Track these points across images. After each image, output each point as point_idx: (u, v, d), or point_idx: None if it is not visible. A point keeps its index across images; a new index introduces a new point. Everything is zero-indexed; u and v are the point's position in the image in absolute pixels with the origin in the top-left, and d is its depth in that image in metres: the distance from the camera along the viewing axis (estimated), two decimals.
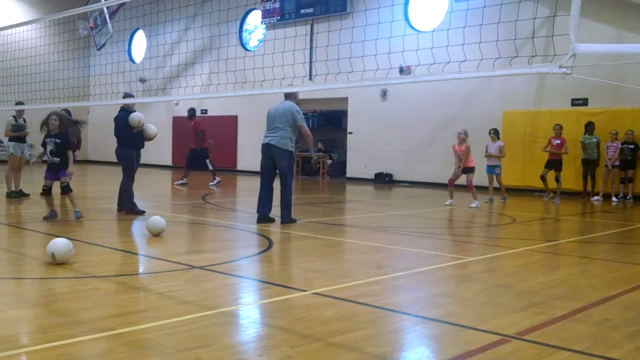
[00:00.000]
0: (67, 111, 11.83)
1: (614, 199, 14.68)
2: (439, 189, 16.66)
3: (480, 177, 15.35)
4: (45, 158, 9.24)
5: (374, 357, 3.66)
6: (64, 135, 8.96)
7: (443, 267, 6.49)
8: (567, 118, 15.80)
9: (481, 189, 15.45)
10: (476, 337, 4.01)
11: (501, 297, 5.18)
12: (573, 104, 16.37)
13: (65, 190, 9.15)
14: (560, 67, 4.48)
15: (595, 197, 14.87)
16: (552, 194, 14.46)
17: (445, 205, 12.75)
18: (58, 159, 8.95)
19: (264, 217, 9.26)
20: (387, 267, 6.37)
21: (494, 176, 14.12)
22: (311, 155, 10.01)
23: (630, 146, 14.85)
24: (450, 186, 13.14)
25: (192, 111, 17.73)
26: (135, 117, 9.80)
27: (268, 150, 9.22)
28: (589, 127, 15.08)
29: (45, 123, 8.98)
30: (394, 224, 10.06)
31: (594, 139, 15.00)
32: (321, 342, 3.82)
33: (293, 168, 9.46)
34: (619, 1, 15.68)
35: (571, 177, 15.74)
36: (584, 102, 16.22)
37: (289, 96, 9.43)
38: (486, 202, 13.72)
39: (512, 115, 17.07)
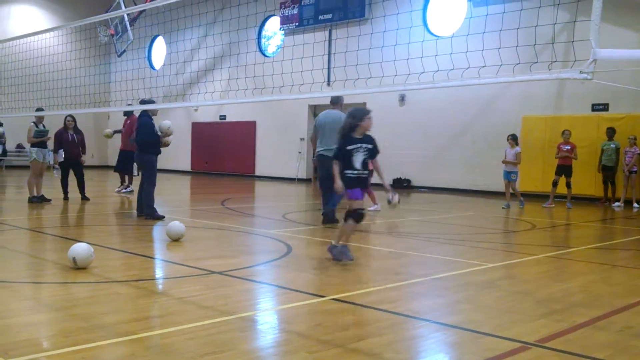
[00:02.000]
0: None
1: (635, 205, 14.52)
2: (458, 195, 16.58)
3: (499, 183, 15.29)
4: None
5: None
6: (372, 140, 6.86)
7: (462, 273, 6.45)
8: (587, 123, 15.68)
9: (500, 194, 15.36)
10: (496, 344, 3.99)
11: (521, 304, 5.14)
12: (593, 110, 16.23)
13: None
14: (581, 72, 4.45)
15: (616, 204, 14.72)
16: (553, 202, 14.32)
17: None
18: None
19: (329, 216, 9.72)
20: (406, 273, 6.35)
21: (510, 182, 14.00)
22: None
23: None
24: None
25: (130, 112, 15.18)
26: (167, 123, 10.06)
27: (325, 160, 9.54)
28: (610, 133, 14.96)
29: None
30: (412, 230, 10.02)
31: (612, 145, 14.88)
32: (340, 348, 3.82)
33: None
34: (639, 6, 15.53)
35: (591, 183, 15.60)
36: (605, 107, 16.07)
37: (335, 103, 9.87)
38: (503, 208, 13.62)
39: (531, 120, 16.96)
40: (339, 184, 6.45)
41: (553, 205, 14.18)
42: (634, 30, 15.39)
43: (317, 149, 9.89)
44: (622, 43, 14.64)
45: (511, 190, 14.08)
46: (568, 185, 14.18)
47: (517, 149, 13.88)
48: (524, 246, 8.87)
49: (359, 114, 6.58)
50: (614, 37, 14.73)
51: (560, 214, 13.26)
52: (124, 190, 15.18)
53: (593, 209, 14.33)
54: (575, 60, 5.63)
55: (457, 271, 6.54)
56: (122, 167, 15.23)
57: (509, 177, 13.97)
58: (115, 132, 15.99)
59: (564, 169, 14.29)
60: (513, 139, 13.97)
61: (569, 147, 14.23)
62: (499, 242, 9.17)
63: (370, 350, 3.81)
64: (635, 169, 14.56)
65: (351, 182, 6.52)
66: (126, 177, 15.35)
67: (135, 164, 13.58)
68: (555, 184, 14.33)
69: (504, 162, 14.02)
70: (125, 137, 14.91)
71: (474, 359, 3.71)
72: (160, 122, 10.11)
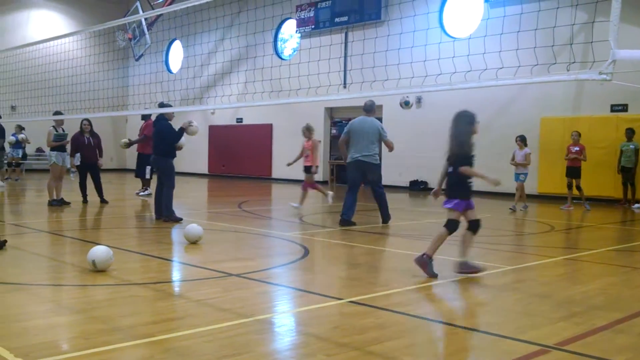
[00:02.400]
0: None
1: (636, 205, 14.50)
2: (476, 197, 16.47)
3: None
4: None
5: None
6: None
7: (481, 276, 6.41)
8: (606, 124, 15.53)
9: (510, 196, 15.25)
10: (515, 347, 3.96)
11: (540, 306, 5.10)
12: (612, 110, 16.07)
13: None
14: (600, 73, 4.42)
15: (636, 205, 14.56)
16: (572, 204, 14.23)
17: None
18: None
19: (346, 221, 10.01)
20: (424, 276, 6.33)
21: (518, 183, 13.80)
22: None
23: None
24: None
25: (147, 116, 15.21)
26: (196, 127, 10.27)
27: (361, 166, 10.05)
28: (629, 134, 14.82)
29: None
30: (430, 232, 9.96)
31: (631, 146, 14.74)
32: (358, 351, 3.82)
33: (381, 176, 10.59)
34: None
35: (610, 184, 15.45)
36: (624, 108, 15.91)
37: (370, 111, 10.23)
38: (521, 209, 13.51)
39: (549, 121, 16.83)
40: (493, 178, 6.26)
41: (572, 208, 14.02)
42: None
43: (352, 155, 10.13)
44: None
45: (521, 193, 13.87)
46: (578, 188, 14.03)
47: (527, 150, 13.77)
48: (542, 248, 8.81)
49: (474, 119, 6.44)
50: (633, 37, 14.58)
51: (579, 215, 13.14)
52: (142, 193, 15.29)
53: (612, 210, 14.19)
54: (594, 61, 5.59)
55: (476, 274, 6.50)
56: (137, 170, 15.44)
57: (518, 178, 13.82)
58: (132, 143, 15.87)
59: (573, 171, 14.14)
60: (522, 140, 13.83)
61: (578, 149, 14.08)
62: (517, 244, 9.11)
63: (388, 353, 3.80)
64: None
65: (469, 192, 6.39)
66: (147, 182, 15.34)
67: (148, 167, 14.52)
68: (570, 186, 14.21)
69: (512, 163, 13.96)
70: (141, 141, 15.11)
71: None
72: (187, 123, 10.09)
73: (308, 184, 12.57)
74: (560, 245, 9.03)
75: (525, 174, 13.87)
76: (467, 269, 6.17)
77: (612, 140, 15.42)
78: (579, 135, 14.27)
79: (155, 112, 10.98)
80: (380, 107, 20.95)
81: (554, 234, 10.19)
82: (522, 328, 4.40)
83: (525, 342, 4.05)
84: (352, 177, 10.30)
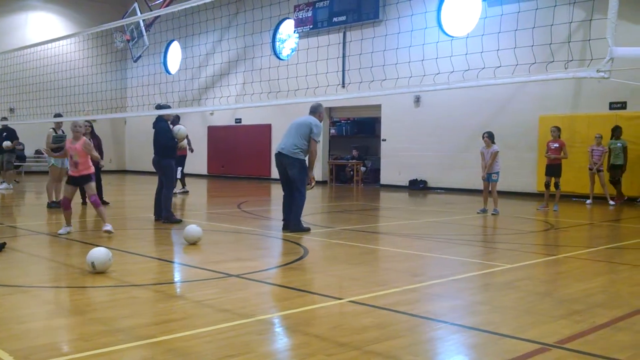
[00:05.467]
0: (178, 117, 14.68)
1: (611, 202, 14.65)
2: (474, 196, 16.50)
3: (516, 183, 15.17)
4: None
5: None
6: None
7: (480, 274, 6.42)
8: (605, 122, 15.53)
9: (518, 195, 15.29)
10: (515, 345, 3.96)
11: (541, 304, 5.10)
12: (611, 108, 16.08)
13: None
14: (598, 71, 4.42)
15: (612, 203, 14.62)
16: (547, 204, 13.45)
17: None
18: None
19: (287, 224, 9.32)
20: (423, 275, 6.33)
21: (490, 183, 12.57)
22: (309, 174, 9.39)
23: None
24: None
25: (177, 118, 16.15)
26: (184, 130, 10.22)
27: (281, 160, 9.28)
28: (616, 132, 14.86)
29: None
30: (429, 231, 9.99)
31: (619, 144, 14.79)
32: (358, 351, 3.82)
33: (304, 177, 9.27)
34: None
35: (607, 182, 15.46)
36: (623, 105, 15.92)
37: (313, 112, 9.45)
38: (478, 212, 12.62)
39: (548, 120, 16.82)
40: None
41: (548, 209, 13.27)
42: None
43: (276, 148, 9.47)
44: None
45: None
46: (556, 186, 13.30)
47: (495, 147, 12.48)
48: (542, 246, 8.82)
49: None
50: (631, 34, 14.59)
51: (578, 214, 13.15)
52: (179, 192, 16.09)
53: (608, 208, 14.19)
54: (592, 59, 5.59)
55: (476, 272, 6.51)
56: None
57: (490, 178, 12.53)
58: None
59: (553, 169, 13.36)
60: (489, 137, 12.59)
61: (558, 145, 13.27)
62: (517, 242, 9.11)
63: (389, 352, 3.80)
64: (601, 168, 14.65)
65: None
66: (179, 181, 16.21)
67: (179, 167, 15.61)
68: (547, 185, 13.43)
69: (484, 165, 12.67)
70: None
71: None
72: (174, 129, 10.22)
73: None
74: (561, 244, 9.04)
75: (497, 174, 12.57)
76: None
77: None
78: (559, 130, 13.55)
79: (153, 114, 10.97)
80: (379, 106, 20.99)
81: (553, 232, 10.19)
82: (523, 326, 4.40)
83: (525, 340, 4.05)
84: (279, 174, 9.49)
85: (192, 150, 16.45)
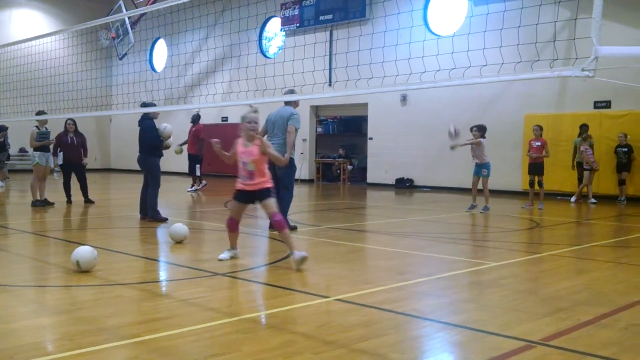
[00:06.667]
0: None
1: (592, 200, 14.82)
2: (460, 194, 16.57)
3: (503, 182, 15.22)
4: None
5: None
6: None
7: (466, 272, 6.45)
8: (590, 121, 15.66)
9: (504, 193, 15.35)
10: (500, 343, 3.98)
11: (525, 302, 5.13)
12: (596, 107, 16.22)
13: None
14: (583, 70, 4.44)
15: (592, 200, 14.83)
16: (532, 203, 13.50)
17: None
18: None
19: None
20: (410, 273, 6.35)
21: (481, 178, 12.72)
22: (283, 156, 9.28)
23: (623, 149, 15.09)
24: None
25: (197, 117, 17.96)
26: (170, 129, 10.15)
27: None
28: (583, 129, 15.03)
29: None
30: (415, 230, 10.02)
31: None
32: (344, 349, 3.82)
33: (292, 175, 9.21)
34: None
35: (595, 180, 15.57)
36: (607, 104, 16.06)
37: (288, 102, 9.32)
38: (466, 211, 12.68)
39: (534, 118, 16.92)
40: None
41: (533, 207, 13.35)
42: (635, 27, 15.36)
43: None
44: (624, 40, 14.62)
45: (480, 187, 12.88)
46: (540, 184, 13.35)
47: (481, 141, 12.55)
48: (527, 244, 8.87)
49: None
50: (615, 34, 14.71)
51: (564, 212, 13.24)
52: (190, 190, 17.30)
53: (600, 206, 14.30)
54: (576, 58, 5.63)
55: (461, 270, 6.54)
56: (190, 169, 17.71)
57: (480, 172, 12.68)
58: (182, 144, 17.34)
59: (535, 168, 13.39)
60: (478, 130, 12.60)
61: (540, 144, 13.30)
62: (502, 240, 9.16)
63: (375, 350, 3.81)
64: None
65: None
66: (196, 179, 17.64)
67: (197, 165, 17.37)
68: (532, 184, 13.49)
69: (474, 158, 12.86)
70: (190, 143, 17.55)
71: (478, 359, 3.71)
72: (160, 127, 10.16)
73: None
74: (545, 242, 9.09)
75: (488, 168, 12.70)
76: None
77: (595, 137, 15.54)
78: (541, 129, 13.59)
79: (138, 111, 10.90)
80: (366, 105, 21.01)
81: (538, 230, 10.25)
82: (508, 324, 4.42)
83: (510, 337, 4.07)
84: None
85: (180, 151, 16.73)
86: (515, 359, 3.67)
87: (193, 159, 17.59)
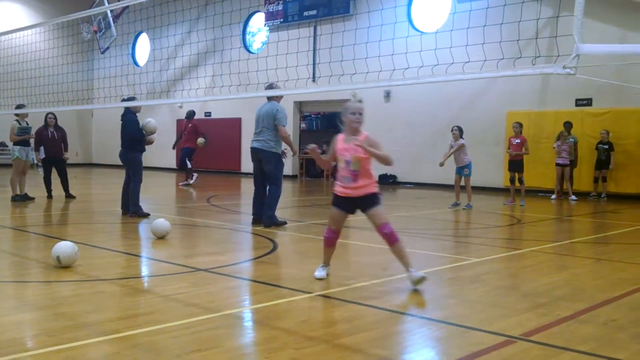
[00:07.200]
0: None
1: (572, 197, 14.88)
2: (444, 190, 16.64)
3: (485, 178, 15.27)
4: None
5: (379, 358, 3.65)
6: None
7: (448, 268, 6.48)
8: (572, 118, 15.78)
9: (487, 190, 15.42)
10: (481, 338, 4.01)
11: (506, 298, 5.17)
12: (577, 104, 16.35)
13: None
14: (564, 67, 4.48)
15: (573, 197, 14.90)
16: (514, 199, 13.63)
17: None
18: None
19: (258, 219, 9.28)
20: (392, 269, 6.36)
21: (462, 177, 12.87)
22: (292, 150, 9.78)
23: (604, 146, 15.23)
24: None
25: (192, 113, 18.40)
26: (154, 123, 10.11)
27: (255, 154, 9.20)
28: (567, 127, 15.15)
29: None
30: (398, 226, 10.00)
31: (570, 139, 15.10)
32: (326, 344, 3.82)
33: (281, 171, 9.29)
34: (622, 1, 15.64)
35: (576, 177, 15.71)
36: (589, 102, 16.20)
37: (271, 97, 9.28)
38: (449, 207, 12.77)
39: (516, 115, 17.01)
40: None
41: (514, 203, 13.47)
42: (616, 26, 15.50)
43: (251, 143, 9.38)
44: (605, 38, 14.74)
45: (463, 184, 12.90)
46: (520, 181, 13.45)
47: (461, 141, 12.60)
48: (509, 241, 8.93)
49: None
50: (597, 32, 14.82)
51: (545, 209, 13.35)
52: (182, 184, 17.77)
53: (581, 203, 14.43)
54: (558, 55, 5.66)
55: (443, 266, 6.57)
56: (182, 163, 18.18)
57: (461, 172, 12.82)
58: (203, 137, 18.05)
59: (515, 165, 13.50)
60: (458, 130, 12.74)
61: (519, 141, 13.41)
62: (484, 236, 9.22)
63: (357, 345, 3.81)
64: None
65: None
66: (188, 173, 18.11)
67: (188, 159, 17.82)
68: (512, 181, 13.58)
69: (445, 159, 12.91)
70: (186, 137, 18.03)
71: (459, 354, 3.73)
72: (144, 121, 10.10)
73: None
74: (527, 238, 9.17)
75: (469, 168, 12.82)
76: None
77: (578, 134, 15.68)
78: (521, 126, 13.69)
79: (119, 105, 10.83)
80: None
81: (520, 226, 10.33)
82: (489, 319, 4.45)
83: (491, 333, 4.10)
84: (253, 168, 9.45)
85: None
86: (496, 354, 3.69)
87: (185, 153, 18.04)
